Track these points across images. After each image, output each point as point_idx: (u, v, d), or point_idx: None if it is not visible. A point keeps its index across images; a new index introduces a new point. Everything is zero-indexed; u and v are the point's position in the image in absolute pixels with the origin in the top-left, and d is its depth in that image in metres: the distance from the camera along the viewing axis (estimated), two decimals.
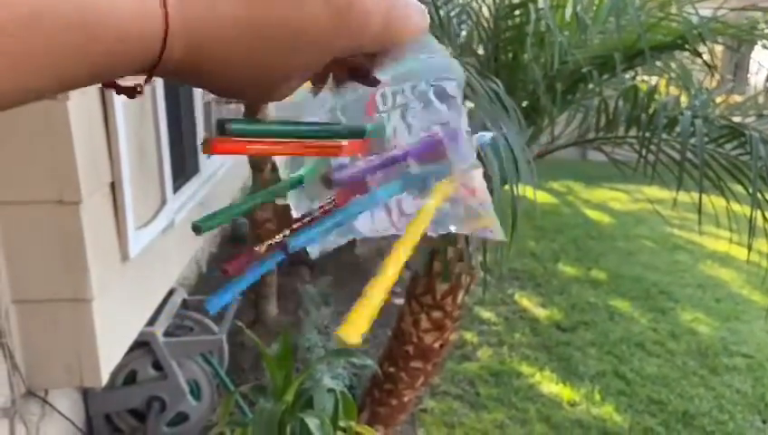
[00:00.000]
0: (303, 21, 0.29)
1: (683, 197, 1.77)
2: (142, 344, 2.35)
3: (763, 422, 3.03)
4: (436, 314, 2.16)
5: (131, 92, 0.31)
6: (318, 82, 0.38)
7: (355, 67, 0.36)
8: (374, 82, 0.36)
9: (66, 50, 0.24)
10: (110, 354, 1.97)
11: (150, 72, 0.28)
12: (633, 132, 1.96)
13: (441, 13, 1.96)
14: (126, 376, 2.40)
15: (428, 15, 0.36)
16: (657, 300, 4.34)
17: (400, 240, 0.36)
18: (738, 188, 1.82)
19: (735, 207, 1.80)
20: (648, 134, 1.85)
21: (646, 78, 2.56)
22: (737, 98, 2.58)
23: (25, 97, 0.25)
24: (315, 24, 0.30)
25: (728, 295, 4.46)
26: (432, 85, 0.37)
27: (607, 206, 6.75)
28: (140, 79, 0.30)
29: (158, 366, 2.40)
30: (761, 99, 2.36)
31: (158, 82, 2.33)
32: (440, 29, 1.86)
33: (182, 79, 0.30)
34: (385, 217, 0.41)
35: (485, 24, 2.02)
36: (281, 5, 0.29)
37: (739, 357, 3.60)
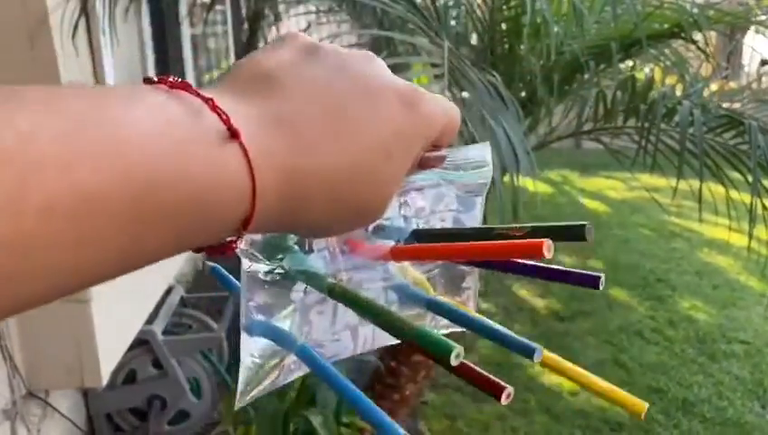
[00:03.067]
0: (386, 126, 0.28)
1: (679, 184, 1.77)
2: (141, 343, 2.34)
3: (762, 408, 3.05)
4: None
5: (222, 251, 0.27)
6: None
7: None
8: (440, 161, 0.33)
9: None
10: (109, 354, 1.97)
11: (242, 229, 0.25)
12: (631, 122, 1.96)
13: (437, 4, 1.95)
14: (126, 375, 2.39)
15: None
16: (654, 288, 4.35)
17: None
18: (735, 176, 1.82)
19: (733, 194, 1.81)
20: (646, 124, 1.85)
21: (641, 66, 2.55)
22: (732, 85, 2.58)
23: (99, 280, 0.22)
24: (395, 123, 0.28)
25: (725, 282, 4.47)
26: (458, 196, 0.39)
27: (602, 194, 6.76)
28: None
29: (157, 365, 2.40)
30: (754, 85, 2.36)
31: None
32: (436, 20, 1.84)
33: (279, 228, 0.28)
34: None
35: (481, 16, 2.01)
36: (367, 127, 0.27)
37: (737, 344, 3.62)
